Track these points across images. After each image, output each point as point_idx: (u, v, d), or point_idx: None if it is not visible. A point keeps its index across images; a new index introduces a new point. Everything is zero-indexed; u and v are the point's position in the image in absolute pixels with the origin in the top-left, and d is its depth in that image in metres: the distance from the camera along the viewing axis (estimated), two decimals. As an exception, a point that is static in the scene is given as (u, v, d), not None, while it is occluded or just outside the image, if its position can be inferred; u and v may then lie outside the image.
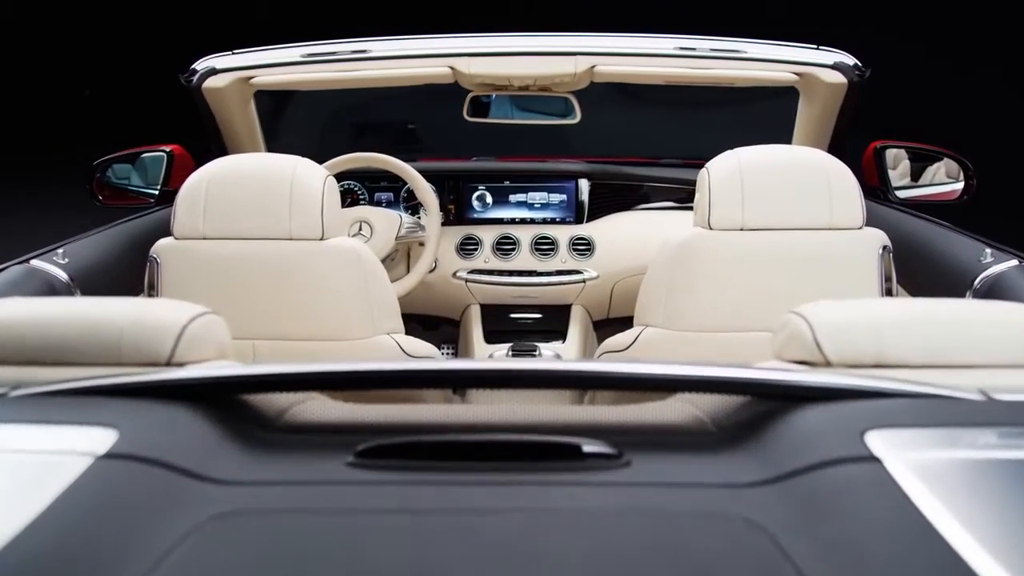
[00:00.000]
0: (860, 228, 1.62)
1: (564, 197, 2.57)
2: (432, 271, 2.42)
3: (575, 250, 2.51)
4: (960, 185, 2.22)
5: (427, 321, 2.64)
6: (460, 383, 0.97)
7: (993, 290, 1.72)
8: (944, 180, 2.31)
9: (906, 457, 0.70)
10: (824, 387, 0.83)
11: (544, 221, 2.57)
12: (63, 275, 1.77)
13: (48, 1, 5.47)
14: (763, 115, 2.53)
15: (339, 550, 0.63)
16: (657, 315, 1.66)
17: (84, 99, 5.51)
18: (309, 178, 1.61)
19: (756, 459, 0.74)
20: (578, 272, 2.49)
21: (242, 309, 1.58)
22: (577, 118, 2.27)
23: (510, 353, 2.38)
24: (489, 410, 0.90)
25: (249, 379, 0.88)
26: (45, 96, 5.45)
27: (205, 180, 1.61)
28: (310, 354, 1.59)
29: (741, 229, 1.60)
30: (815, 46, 2.09)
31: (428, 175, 2.40)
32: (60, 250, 1.82)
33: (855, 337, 0.92)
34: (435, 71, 2.15)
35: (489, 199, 2.59)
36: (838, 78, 2.05)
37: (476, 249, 2.53)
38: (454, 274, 2.51)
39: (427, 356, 1.73)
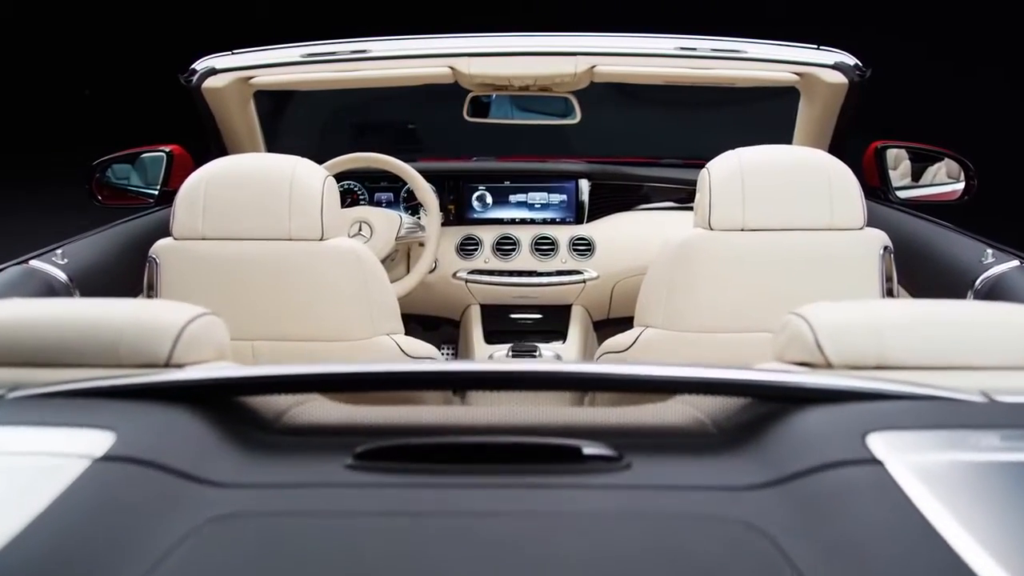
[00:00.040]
0: (861, 229, 1.62)
1: (564, 197, 2.57)
2: (432, 271, 2.42)
3: (575, 250, 2.51)
4: (961, 185, 2.22)
5: (427, 321, 2.63)
6: (460, 385, 0.96)
7: (994, 291, 1.71)
8: (945, 180, 2.31)
9: (908, 459, 0.70)
10: (825, 389, 0.83)
11: (544, 221, 2.56)
12: (62, 276, 1.77)
13: (48, 1, 5.47)
14: (763, 115, 2.52)
15: (338, 553, 0.63)
16: (657, 316, 1.66)
17: (84, 99, 5.51)
18: (309, 178, 1.61)
19: (757, 461, 0.74)
20: (578, 272, 2.49)
21: (241, 310, 1.58)
22: (577, 118, 2.27)
23: (510, 354, 2.38)
24: (489, 412, 0.89)
25: (247, 381, 0.88)
26: (45, 96, 5.44)
27: (204, 180, 1.61)
28: (309, 355, 1.59)
29: (742, 229, 1.60)
30: (815, 46, 2.08)
31: (428, 175, 2.40)
32: (59, 251, 1.82)
33: (856, 338, 0.91)
34: (435, 71, 2.15)
35: (489, 199, 2.59)
36: (839, 78, 2.04)
37: (476, 249, 2.52)
38: (454, 274, 2.50)
39: (427, 357, 1.72)
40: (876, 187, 2.24)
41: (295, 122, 3.47)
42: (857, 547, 0.61)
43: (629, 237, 2.50)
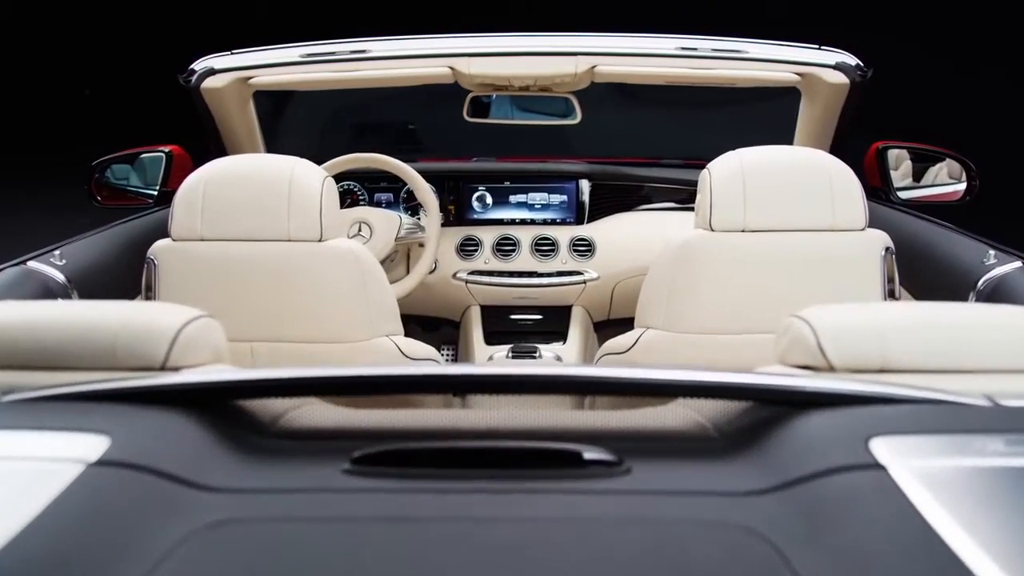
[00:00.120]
0: (863, 230, 1.61)
1: (564, 198, 2.56)
2: (432, 272, 2.41)
3: (576, 251, 2.50)
4: (962, 186, 2.22)
5: (427, 322, 2.63)
6: (459, 389, 0.96)
7: (997, 292, 1.71)
8: (946, 181, 2.30)
9: (911, 464, 0.69)
10: (828, 393, 0.82)
11: (544, 222, 2.56)
12: (60, 276, 1.77)
13: (48, 1, 5.46)
14: (764, 115, 2.52)
15: (335, 559, 0.62)
16: (658, 317, 1.65)
17: (84, 99, 5.51)
18: (307, 179, 1.60)
19: (758, 466, 0.73)
20: (579, 273, 2.48)
21: (240, 311, 1.57)
22: (578, 118, 2.26)
23: (510, 355, 2.38)
24: (488, 415, 0.89)
25: (244, 384, 0.87)
26: (45, 96, 5.44)
27: (203, 181, 1.60)
28: (308, 356, 1.58)
29: (743, 231, 1.59)
30: (817, 46, 2.08)
31: (428, 176, 2.39)
32: (57, 251, 1.82)
33: (859, 342, 0.91)
34: (435, 71, 2.14)
35: (489, 200, 2.58)
36: (840, 78, 2.04)
37: (476, 250, 2.52)
38: (454, 275, 2.50)
39: (426, 358, 1.72)
40: (877, 187, 2.23)
41: (295, 122, 3.47)
42: (860, 554, 0.61)
43: (630, 238, 2.49)
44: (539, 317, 2.51)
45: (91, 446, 0.71)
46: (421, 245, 2.39)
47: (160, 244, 1.62)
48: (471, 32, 2.15)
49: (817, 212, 1.59)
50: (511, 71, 2.12)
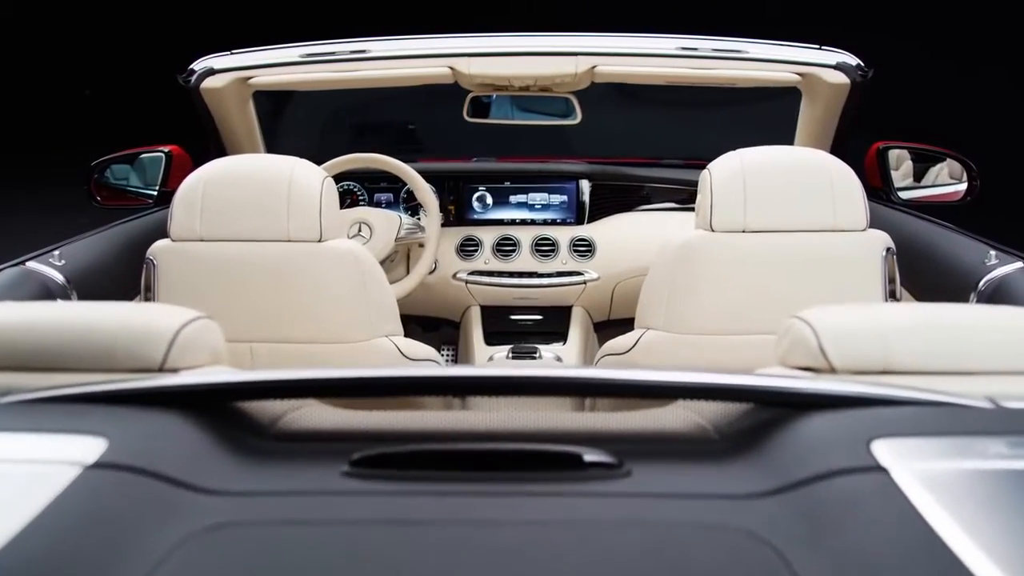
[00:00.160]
0: (863, 230, 1.61)
1: (565, 198, 2.56)
2: (432, 272, 2.41)
3: (576, 251, 2.50)
4: (963, 186, 2.21)
5: (427, 323, 2.62)
6: (459, 391, 0.95)
7: (998, 292, 1.70)
8: (947, 181, 2.30)
9: (913, 467, 0.68)
10: (829, 394, 0.82)
11: (544, 222, 2.55)
12: (59, 277, 1.76)
13: (48, 1, 5.46)
14: (765, 116, 2.51)
15: (334, 562, 0.62)
16: (658, 317, 1.65)
17: (84, 99, 5.51)
18: (307, 179, 1.60)
19: (759, 469, 0.73)
20: (579, 273, 2.48)
21: (239, 311, 1.57)
22: (578, 118, 2.26)
23: (510, 355, 2.37)
24: (488, 417, 0.88)
25: (242, 386, 0.87)
26: (45, 96, 5.44)
27: (202, 181, 1.60)
28: (308, 357, 1.58)
29: (743, 231, 1.59)
30: (817, 46, 2.08)
31: (428, 176, 2.39)
32: (56, 252, 1.81)
33: (860, 343, 0.90)
34: (435, 71, 2.14)
35: (489, 200, 2.58)
36: (840, 78, 2.04)
37: (476, 250, 2.51)
38: (454, 275, 2.49)
39: (426, 359, 1.71)
40: (878, 188, 2.23)
41: (294, 122, 3.47)
42: (862, 557, 0.60)
43: (630, 238, 2.49)
44: (539, 317, 2.51)
45: (88, 448, 0.71)
46: (421, 245, 2.38)
47: (159, 244, 1.62)
48: (471, 32, 2.15)
49: (818, 212, 1.59)
50: (511, 71, 2.12)
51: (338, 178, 2.35)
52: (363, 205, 2.54)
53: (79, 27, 5.35)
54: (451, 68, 2.11)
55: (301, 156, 1.68)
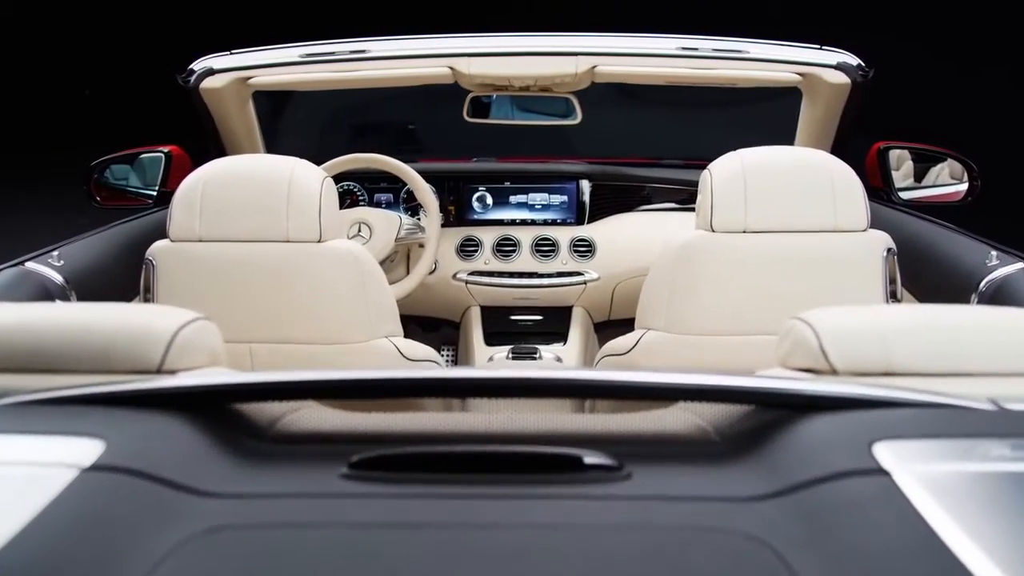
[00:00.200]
0: (864, 230, 1.60)
1: (565, 198, 2.56)
2: (432, 273, 2.41)
3: (576, 251, 2.50)
4: (964, 186, 2.21)
5: (427, 323, 2.62)
6: (458, 393, 0.95)
7: (999, 293, 1.70)
8: (948, 181, 2.30)
9: (915, 469, 0.68)
10: (830, 396, 0.81)
11: (545, 222, 2.55)
12: (58, 277, 1.76)
13: (48, 1, 5.46)
14: (765, 116, 2.51)
15: (332, 566, 0.62)
16: (659, 318, 1.65)
17: (84, 99, 5.50)
18: (307, 180, 1.59)
19: (760, 471, 0.72)
20: (579, 274, 2.48)
21: (239, 312, 1.56)
22: (578, 118, 2.26)
23: (510, 356, 2.37)
24: (488, 419, 0.88)
25: (240, 387, 0.86)
26: (45, 96, 5.43)
27: (201, 181, 1.59)
28: (307, 357, 1.57)
29: (744, 231, 1.59)
30: (818, 46, 2.07)
31: (428, 176, 2.38)
32: (55, 252, 1.81)
33: (862, 344, 0.90)
34: (435, 71, 2.14)
35: (489, 200, 2.57)
36: (841, 78, 2.03)
37: (476, 250, 2.51)
38: (454, 276, 2.49)
39: (426, 359, 1.71)
40: (879, 188, 2.23)
41: (294, 123, 3.46)
42: (863, 560, 0.60)
43: (630, 238, 2.48)
44: (539, 318, 2.50)
45: (85, 450, 0.70)
46: (421, 246, 2.38)
47: (158, 245, 1.61)
48: (471, 32, 2.14)
49: (819, 213, 1.58)
50: (511, 71, 2.12)
51: (338, 178, 2.34)
52: (363, 205, 2.53)
53: (79, 27, 5.34)
54: (451, 68, 2.11)
55: (301, 156, 1.68)
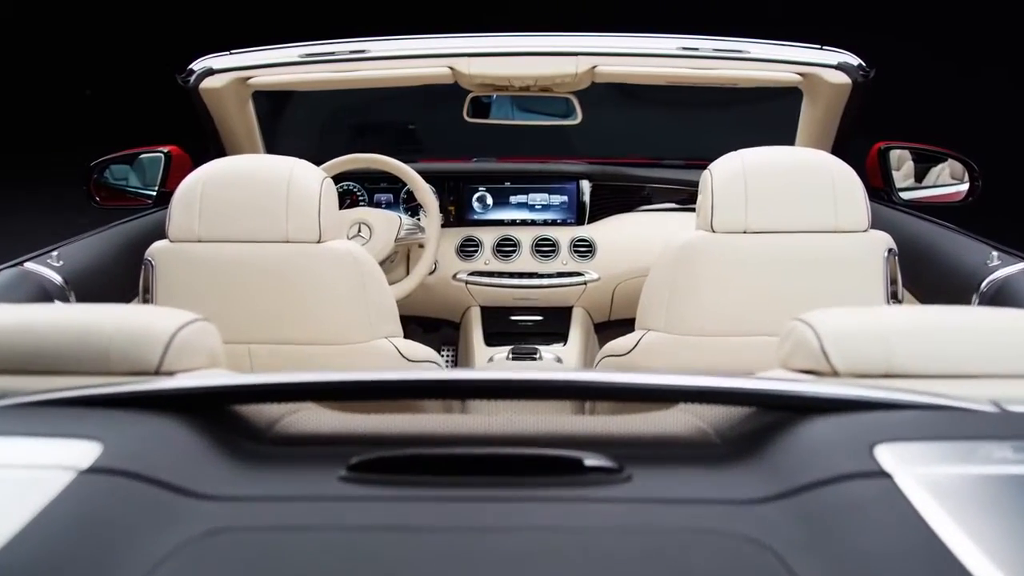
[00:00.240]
0: (865, 231, 1.60)
1: (565, 198, 2.55)
2: (432, 273, 2.40)
3: (576, 252, 2.49)
4: (965, 186, 2.21)
5: (427, 323, 2.62)
6: (458, 395, 0.95)
7: (1000, 294, 1.70)
8: (949, 181, 2.29)
9: (917, 472, 0.68)
10: (832, 398, 0.81)
11: (545, 223, 2.55)
12: (57, 278, 1.76)
13: (48, 1, 5.46)
14: (766, 116, 2.51)
15: (331, 569, 0.61)
16: (659, 319, 1.64)
17: (84, 99, 5.50)
18: (306, 180, 1.59)
19: (761, 474, 0.72)
20: (579, 274, 2.47)
21: (238, 313, 1.56)
22: (578, 119, 2.25)
23: (510, 356, 2.36)
24: (488, 421, 0.88)
25: (239, 389, 0.86)
26: (45, 96, 5.43)
27: (201, 182, 1.59)
28: (307, 358, 1.57)
29: (744, 232, 1.58)
30: (819, 46, 2.07)
31: (428, 176, 2.38)
32: (54, 252, 1.81)
33: (863, 346, 0.90)
34: (434, 71, 2.13)
35: (489, 200, 2.57)
36: (842, 78, 2.03)
37: (476, 251, 2.51)
38: (454, 276, 2.49)
39: (426, 360, 1.71)
40: (879, 188, 2.22)
41: (294, 123, 3.46)
42: (865, 564, 0.59)
43: (630, 238, 2.48)
44: (539, 318, 2.50)
45: (83, 452, 0.70)
46: (421, 246, 2.38)
47: (157, 245, 1.61)
48: (471, 32, 2.14)
49: (819, 213, 1.58)
50: (511, 71, 2.11)
51: (338, 178, 2.34)
52: (363, 205, 2.53)
53: (79, 27, 5.34)
54: (451, 68, 2.11)
55: (301, 156, 1.68)
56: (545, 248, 2.50)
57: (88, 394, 0.81)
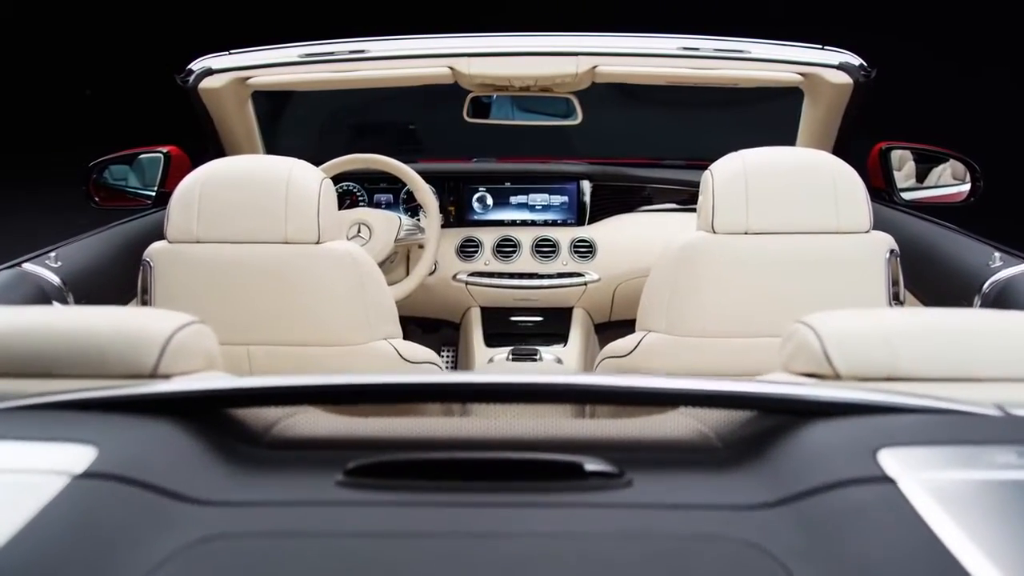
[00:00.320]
0: (867, 232, 1.59)
1: (565, 199, 2.55)
2: (432, 273, 2.40)
3: (576, 252, 2.49)
4: (966, 187, 2.20)
5: (427, 324, 2.61)
6: (458, 398, 0.94)
7: (1003, 294, 1.69)
8: (950, 182, 2.29)
9: (921, 477, 0.67)
10: (834, 402, 0.80)
11: (545, 223, 2.54)
12: (55, 279, 1.75)
13: (48, 1, 5.46)
14: (767, 116, 2.50)
15: (328, 575, 0.61)
16: (660, 320, 1.64)
17: (84, 99, 5.50)
18: (305, 180, 1.58)
19: (763, 479, 0.71)
20: (579, 275, 2.47)
21: (236, 314, 1.56)
22: (579, 119, 2.25)
23: (511, 357, 2.36)
24: (487, 424, 0.87)
25: (236, 392, 0.85)
26: (45, 96, 5.44)
27: (199, 182, 1.59)
28: (305, 359, 1.56)
29: (745, 232, 1.58)
30: (820, 46, 2.06)
31: (428, 176, 2.37)
32: (53, 253, 1.80)
33: (866, 349, 0.89)
34: (434, 71, 2.13)
35: (489, 201, 2.56)
36: (843, 78, 2.02)
37: (476, 251, 2.50)
38: (454, 276, 2.48)
39: (426, 361, 1.70)
40: (881, 189, 2.22)
41: (294, 123, 3.46)
42: (868, 570, 0.59)
43: (631, 239, 2.47)
44: (540, 319, 2.49)
45: (77, 457, 0.69)
46: (421, 246, 2.37)
47: (156, 246, 1.60)
48: (471, 32, 2.14)
49: (821, 214, 1.57)
50: (511, 71, 2.11)
51: (337, 179, 2.34)
52: (363, 206, 2.52)
53: (79, 27, 5.34)
54: (451, 68, 2.10)
55: (300, 157, 1.67)
56: (545, 249, 2.49)
57: (83, 397, 0.80)
